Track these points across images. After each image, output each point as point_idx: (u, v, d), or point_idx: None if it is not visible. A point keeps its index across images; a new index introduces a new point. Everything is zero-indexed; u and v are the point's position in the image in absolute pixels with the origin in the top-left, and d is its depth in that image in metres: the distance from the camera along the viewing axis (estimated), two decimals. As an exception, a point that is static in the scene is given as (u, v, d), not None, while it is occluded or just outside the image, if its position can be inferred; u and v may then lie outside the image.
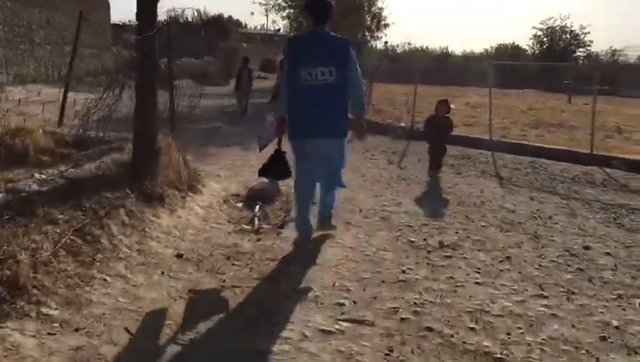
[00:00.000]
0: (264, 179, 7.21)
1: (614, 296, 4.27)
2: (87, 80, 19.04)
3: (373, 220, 5.94)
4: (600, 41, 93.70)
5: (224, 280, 4.16)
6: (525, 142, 11.41)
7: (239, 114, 15.19)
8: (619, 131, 14.61)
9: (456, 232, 5.65)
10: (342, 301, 3.92)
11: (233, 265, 4.49)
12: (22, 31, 15.64)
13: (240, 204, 6.41)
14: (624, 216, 6.63)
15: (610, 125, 15.63)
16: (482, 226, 5.92)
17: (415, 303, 3.96)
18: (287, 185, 7.09)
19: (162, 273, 4.16)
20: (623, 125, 15.78)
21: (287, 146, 5.10)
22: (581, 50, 40.59)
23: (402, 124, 13.58)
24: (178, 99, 7.19)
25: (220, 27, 32.65)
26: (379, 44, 30.47)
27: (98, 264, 3.94)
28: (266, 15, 60.32)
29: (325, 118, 4.49)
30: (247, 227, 5.59)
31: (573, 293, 4.29)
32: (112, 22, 25.73)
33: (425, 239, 5.37)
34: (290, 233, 5.40)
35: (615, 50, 34.49)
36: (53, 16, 16.60)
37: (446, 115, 8.73)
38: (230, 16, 42.44)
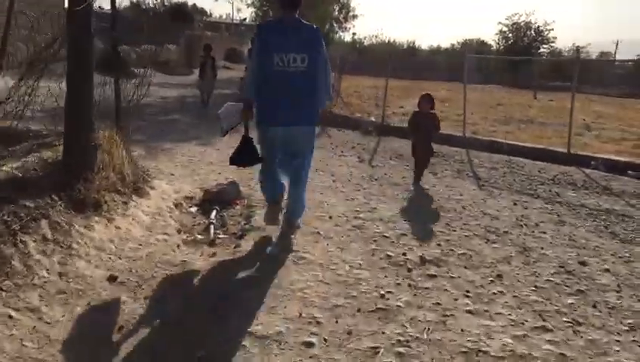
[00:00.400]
0: (222, 181, 6.46)
1: (626, 328, 3.61)
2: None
3: (344, 229, 5.19)
4: (564, 40, 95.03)
5: (165, 313, 3.35)
6: (500, 140, 10.81)
7: (201, 106, 13.97)
8: (588, 128, 14.21)
9: (439, 244, 4.94)
10: (310, 339, 3.17)
11: (178, 290, 3.68)
12: None
13: (194, 209, 5.58)
14: (614, 223, 6.03)
15: (579, 122, 15.24)
16: (466, 236, 5.24)
17: (399, 340, 3.22)
18: (248, 187, 6.32)
19: (88, 304, 3.32)
20: (591, 122, 15.41)
21: (253, 132, 4.67)
22: (545, 46, 40.55)
23: (372, 119, 12.87)
24: (125, 87, 6.28)
25: (183, 14, 31.43)
26: (347, 36, 29.57)
27: (4, 294, 3.09)
28: (232, 3, 58.82)
29: (297, 105, 4.37)
30: (201, 237, 4.78)
31: (579, 324, 3.62)
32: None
33: (404, 253, 4.64)
34: (250, 244, 4.63)
35: (578, 47, 34.50)
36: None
37: (431, 111, 7.46)
38: (194, 4, 41.20)
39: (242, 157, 4.65)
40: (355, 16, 25.95)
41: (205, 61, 14.18)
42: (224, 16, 45.28)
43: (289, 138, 4.52)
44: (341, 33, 26.70)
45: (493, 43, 43.34)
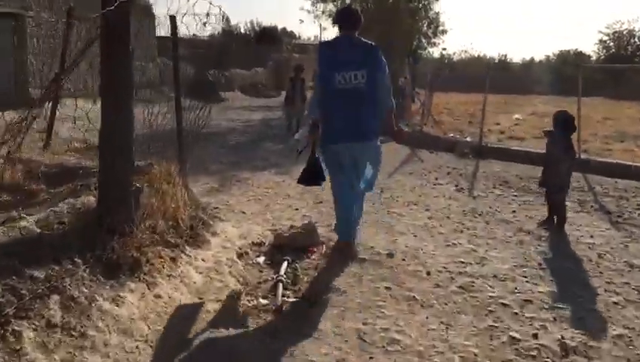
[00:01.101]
0: (298, 219, 5.41)
1: None
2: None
3: (448, 292, 3.91)
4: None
5: None
6: (625, 161, 9.06)
7: (286, 131, 12.50)
8: None
9: (581, 318, 3.56)
10: None
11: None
12: (58, 43, 14.49)
13: (262, 259, 4.51)
14: None
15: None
16: (615, 304, 3.81)
17: None
18: (328, 227, 5.19)
19: None
20: None
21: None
22: (651, 54, 36.92)
23: (468, 139, 11.40)
24: (189, 111, 5.41)
25: (271, 38, 31.17)
26: (435, 52, 27.97)
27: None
28: (320, 26, 58.57)
29: (360, 121, 4.33)
30: (265, 302, 3.69)
31: None
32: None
33: (535, 335, 3.29)
34: (326, 316, 3.48)
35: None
36: (91, 29, 15.37)
37: (565, 133, 5.69)
38: (284, 28, 41.12)
39: (307, 176, 4.50)
40: (444, 31, 24.38)
41: (294, 83, 12.80)
42: (312, 38, 44.94)
43: (355, 154, 4.39)
44: (430, 49, 25.10)
45: (592, 53, 40.13)
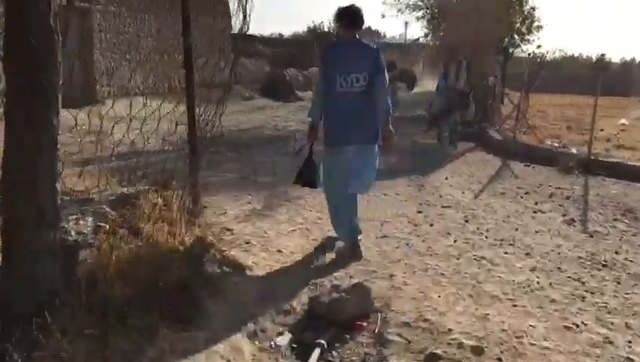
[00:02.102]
0: (347, 270, 3.84)
1: None
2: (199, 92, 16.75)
3: None
4: None
5: None
6: None
7: None
8: None
9: None
10: None
11: None
12: (127, 39, 13.66)
13: (284, 340, 2.98)
14: None
15: None
16: None
17: None
18: (390, 284, 3.58)
19: None
20: None
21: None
22: None
23: (573, 150, 9.26)
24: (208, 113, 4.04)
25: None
26: (529, 49, 25.09)
27: None
28: (406, 23, 55.96)
29: (361, 124, 4.18)
30: None
31: None
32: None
33: None
34: None
35: None
36: (164, 23, 14.47)
37: None
38: (369, 27, 39.34)
39: (303, 177, 4.42)
40: (539, 27, 21.70)
41: None
42: (397, 37, 42.81)
43: (354, 157, 4.23)
44: (524, 46, 22.40)
45: None
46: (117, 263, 2.57)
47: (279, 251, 4.26)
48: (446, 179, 7.52)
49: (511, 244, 4.73)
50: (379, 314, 3.23)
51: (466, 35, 12.47)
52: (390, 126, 4.28)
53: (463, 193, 6.72)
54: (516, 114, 10.41)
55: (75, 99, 12.93)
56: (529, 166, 8.70)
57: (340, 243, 4.39)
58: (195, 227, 3.44)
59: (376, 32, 40.40)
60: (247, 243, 4.31)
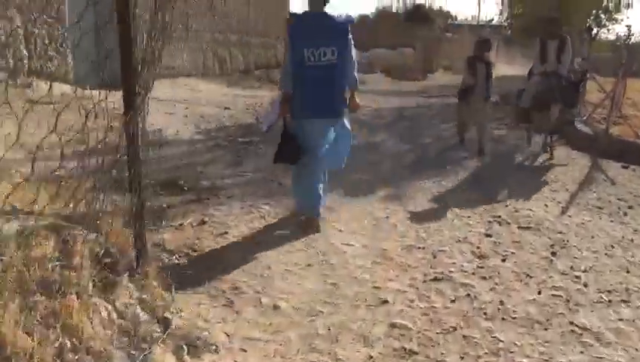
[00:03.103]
0: None
1: None
2: (254, 74, 15.56)
3: None
4: None
5: None
6: None
7: (459, 145, 7.78)
8: None
9: None
10: None
11: None
12: (174, 17, 12.56)
13: None
14: None
15: None
16: None
17: None
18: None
19: None
20: None
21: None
22: None
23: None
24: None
25: (422, 16, 27.28)
26: (617, 29, 22.15)
27: None
28: (478, 2, 52.64)
29: (328, 98, 4.09)
30: None
31: None
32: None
33: None
34: None
35: None
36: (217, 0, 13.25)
37: None
38: (440, 8, 36.85)
39: (284, 154, 4.12)
40: (629, 5, 18.93)
41: (475, 65, 7.33)
42: (469, 18, 39.93)
43: (323, 131, 4.08)
44: (611, 26, 19.67)
45: None
46: None
47: (316, 313, 2.85)
48: (522, 184, 5.84)
49: (625, 301, 3.13)
50: None
51: (547, 11, 10.45)
52: (357, 99, 4.26)
53: (546, 206, 5.06)
54: (610, 102, 8.40)
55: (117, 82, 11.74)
56: (627, 167, 6.84)
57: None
58: (125, 297, 2.11)
59: (447, 14, 37.78)
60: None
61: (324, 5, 4.09)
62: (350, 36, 4.11)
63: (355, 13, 41.73)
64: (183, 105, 9.40)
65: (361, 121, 8.98)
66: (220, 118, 8.81)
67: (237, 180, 5.29)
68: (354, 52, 4.18)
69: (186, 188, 4.74)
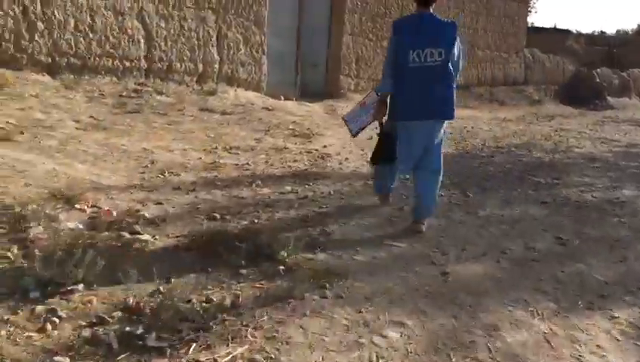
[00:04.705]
0: None
1: None
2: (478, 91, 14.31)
3: None
4: None
5: None
6: None
7: None
8: None
9: None
10: None
11: None
12: (384, 22, 11.32)
13: None
14: None
15: None
16: None
17: None
18: None
19: None
20: None
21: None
22: None
23: None
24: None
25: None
26: None
27: None
28: None
29: (434, 100, 3.91)
30: None
31: None
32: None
33: None
34: None
35: None
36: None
37: None
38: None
39: (384, 154, 4.10)
40: None
41: None
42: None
43: (425, 132, 3.96)
44: None
45: None
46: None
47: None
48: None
49: None
50: None
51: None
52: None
53: None
54: None
55: (320, 91, 10.60)
56: None
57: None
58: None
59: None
60: None
61: (430, 6, 3.96)
62: (458, 38, 3.96)
63: (614, 29, 36.73)
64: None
65: (582, 165, 7.32)
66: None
67: (368, 266, 4.36)
68: (460, 53, 4.03)
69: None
